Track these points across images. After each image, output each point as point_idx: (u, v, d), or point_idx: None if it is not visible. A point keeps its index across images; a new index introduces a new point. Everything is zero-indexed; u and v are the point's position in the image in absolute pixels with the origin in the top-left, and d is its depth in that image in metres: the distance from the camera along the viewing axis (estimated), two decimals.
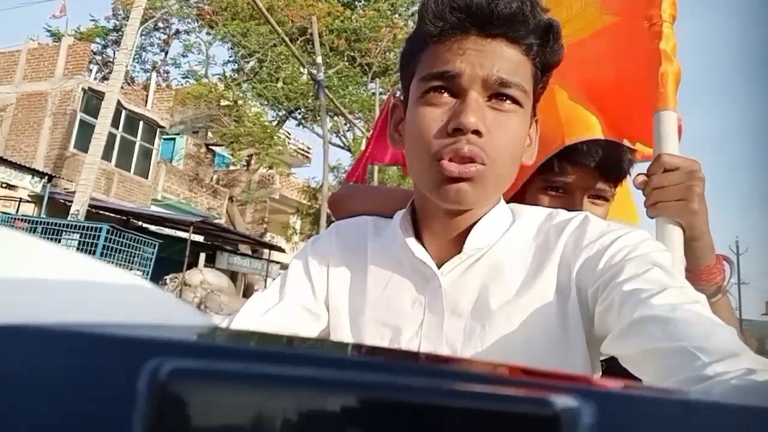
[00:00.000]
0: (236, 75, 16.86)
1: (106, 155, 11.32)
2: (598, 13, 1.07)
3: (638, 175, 0.88)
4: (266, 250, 15.03)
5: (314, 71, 11.31)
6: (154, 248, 8.87)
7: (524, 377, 0.21)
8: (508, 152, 0.61)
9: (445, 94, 0.60)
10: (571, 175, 0.94)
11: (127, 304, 0.23)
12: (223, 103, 15.98)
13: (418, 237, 0.68)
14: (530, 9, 0.59)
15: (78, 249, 8.03)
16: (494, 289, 0.63)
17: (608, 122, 0.96)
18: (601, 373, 0.67)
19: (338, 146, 18.01)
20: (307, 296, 0.73)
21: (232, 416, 0.16)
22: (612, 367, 0.63)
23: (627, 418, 0.18)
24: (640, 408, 0.19)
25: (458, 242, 0.66)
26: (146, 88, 16.74)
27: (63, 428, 0.16)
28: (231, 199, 16.35)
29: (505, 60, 0.59)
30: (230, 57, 17.13)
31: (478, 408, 0.17)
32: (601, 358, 0.64)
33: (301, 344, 0.22)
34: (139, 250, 8.69)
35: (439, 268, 0.66)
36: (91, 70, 14.74)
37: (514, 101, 0.60)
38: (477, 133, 0.58)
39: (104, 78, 14.91)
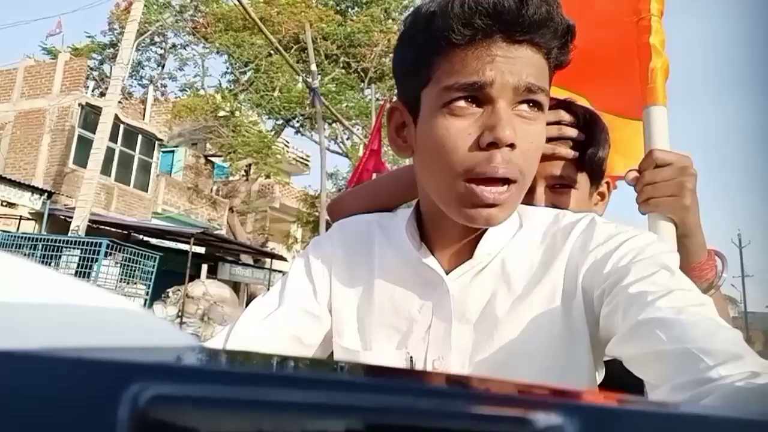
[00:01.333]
0: (233, 86, 16.90)
1: (105, 170, 11.35)
2: None
3: (630, 171, 0.87)
4: (268, 260, 15.03)
5: (309, 79, 11.34)
6: (155, 261, 8.86)
7: (506, 394, 0.20)
8: (535, 162, 0.60)
9: (472, 104, 0.58)
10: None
11: (113, 328, 0.22)
12: (220, 113, 16.02)
13: (425, 239, 0.68)
14: (557, 12, 0.56)
15: (79, 265, 8.03)
16: (502, 294, 0.63)
17: (594, 100, 0.96)
18: (603, 374, 0.66)
19: (337, 153, 18.06)
20: (309, 299, 0.72)
21: None
22: (614, 368, 0.62)
23: None
24: (626, 423, 0.18)
25: (468, 248, 0.65)
26: (144, 102, 16.80)
27: None
28: (231, 209, 16.37)
29: (532, 65, 0.57)
30: (227, 68, 17.23)
31: (456, 428, 0.17)
32: (604, 359, 0.63)
33: (290, 365, 0.21)
34: (141, 264, 8.67)
35: (447, 273, 0.65)
36: (88, 86, 14.79)
37: (539, 107, 0.59)
38: (511, 146, 0.56)
39: (101, 93, 14.95)
